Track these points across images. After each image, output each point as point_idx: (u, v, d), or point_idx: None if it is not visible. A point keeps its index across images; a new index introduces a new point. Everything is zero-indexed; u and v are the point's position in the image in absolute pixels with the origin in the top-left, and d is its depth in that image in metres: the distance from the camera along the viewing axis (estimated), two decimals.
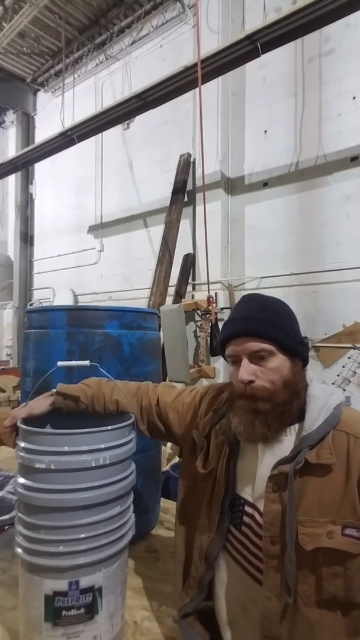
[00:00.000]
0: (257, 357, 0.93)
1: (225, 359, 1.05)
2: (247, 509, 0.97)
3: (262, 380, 0.92)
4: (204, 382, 4.54)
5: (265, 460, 0.95)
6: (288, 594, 0.85)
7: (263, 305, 0.98)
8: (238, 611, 0.97)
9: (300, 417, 0.94)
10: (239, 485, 1.00)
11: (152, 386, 1.27)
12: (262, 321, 0.94)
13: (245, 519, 0.97)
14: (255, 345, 0.93)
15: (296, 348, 0.95)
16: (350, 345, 3.74)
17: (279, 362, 0.93)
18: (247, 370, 0.92)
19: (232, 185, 4.73)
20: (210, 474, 1.05)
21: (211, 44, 4.21)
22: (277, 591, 0.87)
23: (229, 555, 1.00)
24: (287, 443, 0.93)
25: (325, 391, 0.96)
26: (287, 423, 0.94)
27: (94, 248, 6.33)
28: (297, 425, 0.94)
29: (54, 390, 1.21)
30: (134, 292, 5.61)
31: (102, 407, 1.20)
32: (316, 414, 0.91)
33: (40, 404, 1.19)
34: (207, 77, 3.83)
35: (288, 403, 0.93)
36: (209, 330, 4.16)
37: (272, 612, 0.87)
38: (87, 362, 1.22)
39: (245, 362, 0.93)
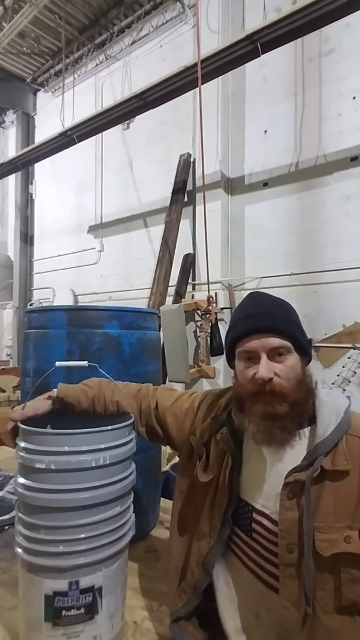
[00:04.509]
0: (274, 355, 0.91)
1: (228, 358, 1.04)
2: (256, 515, 0.96)
3: (280, 378, 0.91)
4: (204, 382, 4.54)
5: (275, 467, 0.93)
6: (307, 603, 0.84)
7: (276, 303, 0.98)
8: (251, 619, 0.95)
9: (310, 421, 0.93)
10: (246, 492, 0.99)
11: (152, 389, 1.26)
12: (283, 318, 0.94)
13: (255, 525, 0.95)
14: (277, 341, 0.91)
15: (307, 347, 0.97)
16: (350, 345, 3.74)
17: (295, 360, 0.93)
18: (267, 367, 0.90)
19: (232, 185, 4.72)
20: (210, 482, 1.04)
21: (211, 44, 4.20)
22: (294, 600, 0.86)
23: (240, 562, 0.99)
24: (298, 448, 0.91)
25: (331, 395, 0.96)
26: (302, 424, 0.93)
27: (94, 248, 6.32)
28: (307, 430, 0.93)
29: (55, 390, 1.21)
30: (134, 292, 5.60)
31: (103, 408, 1.20)
32: (328, 420, 0.89)
33: (43, 404, 1.18)
34: (207, 77, 3.82)
35: (304, 402, 0.92)
36: (209, 330, 4.15)
37: (290, 621, 0.85)
38: (85, 363, 1.22)
39: (264, 358, 0.91)
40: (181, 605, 1.04)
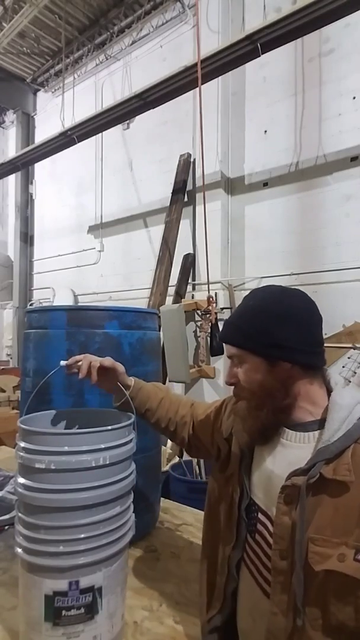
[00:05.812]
0: (235, 361, 0.97)
1: None
2: (261, 516, 0.94)
3: (240, 382, 0.95)
4: (204, 382, 4.54)
5: (279, 467, 0.91)
6: (296, 615, 0.80)
7: (240, 308, 0.98)
8: (250, 623, 0.94)
9: (321, 424, 0.89)
10: (254, 491, 0.97)
11: (192, 400, 1.33)
12: (231, 327, 0.97)
13: (259, 527, 0.94)
14: (228, 349, 0.98)
15: (263, 351, 0.90)
16: (350, 345, 3.74)
17: (250, 365, 0.93)
18: (227, 373, 0.99)
19: (232, 185, 4.72)
20: (229, 479, 1.03)
21: (211, 44, 4.20)
22: (283, 608, 0.83)
23: (244, 564, 0.98)
24: (305, 451, 0.87)
25: (353, 398, 0.88)
26: (312, 427, 0.90)
27: (94, 248, 6.32)
28: (317, 433, 0.88)
29: (120, 372, 1.21)
30: (134, 292, 5.60)
31: (164, 413, 1.24)
32: (337, 425, 0.83)
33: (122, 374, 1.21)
34: (207, 77, 3.82)
35: (260, 407, 0.93)
36: (209, 330, 4.15)
37: (277, 628, 0.83)
38: None
39: (228, 364, 0.99)
40: (215, 612, 1.02)
